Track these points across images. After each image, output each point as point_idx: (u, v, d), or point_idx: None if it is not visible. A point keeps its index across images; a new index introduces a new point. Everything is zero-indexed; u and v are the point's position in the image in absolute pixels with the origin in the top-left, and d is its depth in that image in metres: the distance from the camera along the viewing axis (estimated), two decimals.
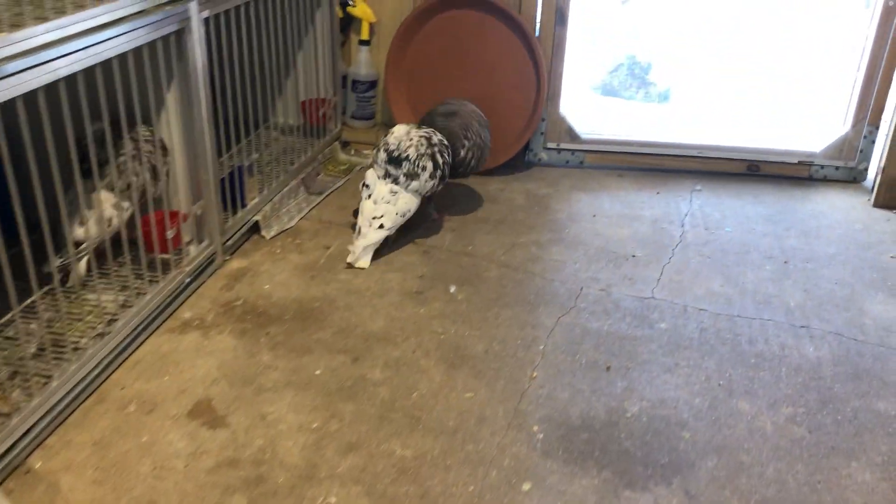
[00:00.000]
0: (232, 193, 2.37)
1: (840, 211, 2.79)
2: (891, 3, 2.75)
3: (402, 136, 2.40)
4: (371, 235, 2.34)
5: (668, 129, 3.13)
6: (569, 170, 3.05)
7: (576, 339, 2.02)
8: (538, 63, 2.85)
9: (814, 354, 1.99)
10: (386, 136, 2.42)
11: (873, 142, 2.94)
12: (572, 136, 3.04)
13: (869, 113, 2.89)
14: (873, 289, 2.30)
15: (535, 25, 2.91)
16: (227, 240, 2.33)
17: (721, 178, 3.01)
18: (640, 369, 1.92)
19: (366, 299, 2.17)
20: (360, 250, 2.33)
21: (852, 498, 1.58)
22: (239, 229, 2.39)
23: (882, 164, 2.78)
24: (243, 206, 2.43)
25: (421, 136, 2.40)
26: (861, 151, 2.95)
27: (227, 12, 2.23)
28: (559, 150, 3.07)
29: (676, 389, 1.86)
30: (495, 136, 2.99)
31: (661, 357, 1.97)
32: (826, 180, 3.01)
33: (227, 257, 2.33)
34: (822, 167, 2.99)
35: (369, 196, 2.38)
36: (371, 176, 2.41)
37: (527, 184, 2.92)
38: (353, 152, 3.15)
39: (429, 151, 2.38)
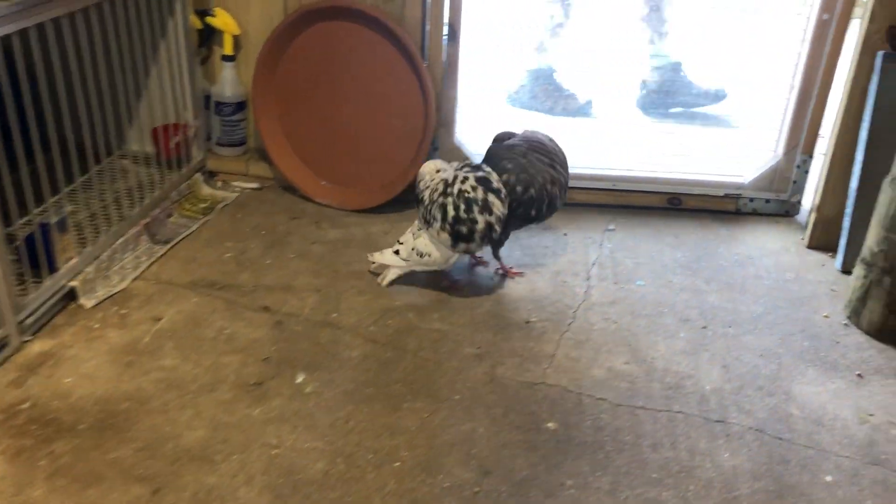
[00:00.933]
0: (33, 258, 1.93)
1: (770, 254, 2.44)
2: (825, 17, 2.40)
3: (426, 173, 2.14)
4: (386, 255, 2.18)
5: (585, 152, 2.74)
6: None
7: (442, 451, 1.64)
8: (424, 85, 2.44)
9: (729, 463, 1.64)
10: None
11: (807, 172, 2.60)
12: None
13: (802, 140, 2.55)
14: (803, 362, 1.96)
15: (423, 41, 2.50)
16: (28, 316, 1.89)
17: (639, 213, 2.65)
18: (516, 495, 1.54)
19: (188, 397, 1.75)
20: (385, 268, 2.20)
21: None
22: (47, 300, 1.96)
23: (817, 202, 2.45)
24: (53, 270, 1.99)
25: (441, 181, 2.07)
26: (794, 182, 2.62)
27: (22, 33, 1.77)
28: None
29: None
30: (381, 170, 2.59)
31: (544, 473, 1.59)
32: (756, 214, 2.67)
33: (28, 338, 1.89)
34: (752, 200, 2.65)
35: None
36: None
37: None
38: (219, 185, 2.72)
39: (441, 200, 2.06)
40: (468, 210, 2.04)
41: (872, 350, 2.02)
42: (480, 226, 2.05)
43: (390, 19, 2.42)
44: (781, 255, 2.45)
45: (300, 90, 2.58)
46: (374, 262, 2.19)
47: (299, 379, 1.82)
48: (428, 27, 2.48)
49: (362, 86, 2.52)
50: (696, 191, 2.64)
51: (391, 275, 2.18)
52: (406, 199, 2.61)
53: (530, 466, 1.61)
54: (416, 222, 2.17)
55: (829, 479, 1.61)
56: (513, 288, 2.21)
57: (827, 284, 2.30)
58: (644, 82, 3.39)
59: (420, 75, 2.44)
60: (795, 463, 1.65)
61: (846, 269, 2.33)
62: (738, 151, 2.88)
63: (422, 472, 1.58)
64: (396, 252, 2.15)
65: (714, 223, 2.62)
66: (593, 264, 2.34)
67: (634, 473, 1.60)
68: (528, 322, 2.06)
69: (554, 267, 2.32)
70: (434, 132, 2.52)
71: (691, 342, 2.01)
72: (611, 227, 2.56)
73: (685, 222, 2.61)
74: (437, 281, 2.22)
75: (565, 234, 2.49)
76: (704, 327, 2.08)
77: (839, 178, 2.37)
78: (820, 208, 2.43)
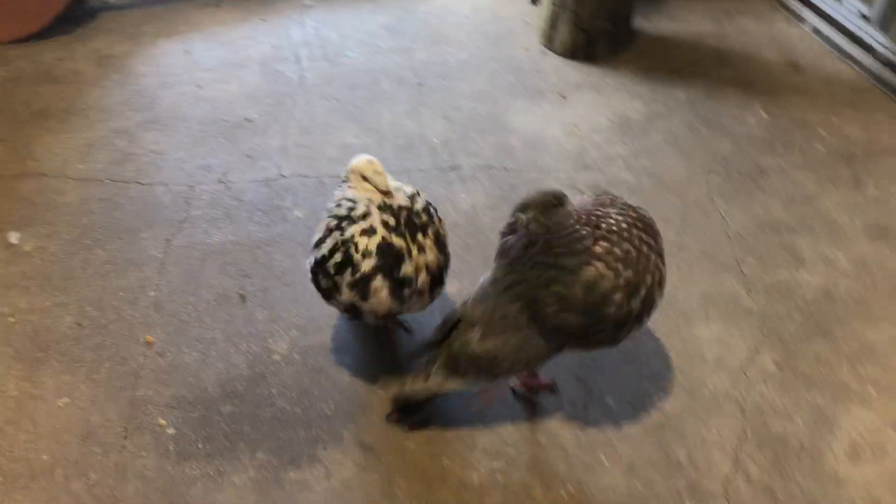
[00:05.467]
0: None
1: (465, 0, 2.50)
2: None
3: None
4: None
5: None
6: (149, 9, 2.39)
7: (195, 268, 1.59)
8: None
9: (468, 201, 1.76)
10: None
11: None
12: None
13: None
14: (512, 95, 2.09)
15: None
16: None
17: None
18: (281, 286, 1.56)
19: None
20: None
21: None
22: None
23: None
24: None
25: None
26: None
27: None
28: None
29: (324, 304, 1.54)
30: None
31: (302, 259, 1.61)
32: None
33: None
34: None
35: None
36: None
37: (95, 42, 2.24)
38: None
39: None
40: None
41: (568, 69, 2.19)
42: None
43: None
44: None
45: None
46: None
47: (13, 238, 1.63)
48: None
49: None
50: None
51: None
52: (74, 16, 2.30)
53: (287, 257, 1.62)
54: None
55: None
56: (222, 90, 2.07)
57: (520, 18, 2.41)
58: None
59: None
60: (522, 186, 1.80)
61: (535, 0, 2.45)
62: None
63: (180, 294, 1.53)
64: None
65: None
66: (300, 45, 2.25)
67: None
68: (248, 119, 1.98)
69: (260, 57, 2.20)
70: None
71: (411, 102, 2.05)
72: (307, 2, 2.45)
73: None
74: (136, 101, 2.03)
75: (263, 20, 2.35)
76: (420, 85, 2.12)
77: None
78: None
